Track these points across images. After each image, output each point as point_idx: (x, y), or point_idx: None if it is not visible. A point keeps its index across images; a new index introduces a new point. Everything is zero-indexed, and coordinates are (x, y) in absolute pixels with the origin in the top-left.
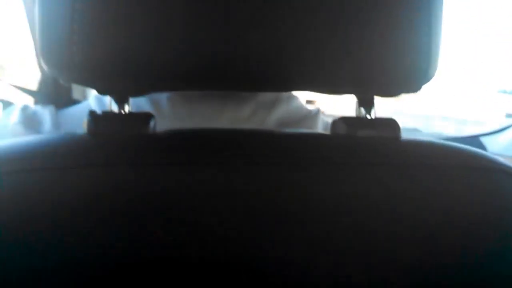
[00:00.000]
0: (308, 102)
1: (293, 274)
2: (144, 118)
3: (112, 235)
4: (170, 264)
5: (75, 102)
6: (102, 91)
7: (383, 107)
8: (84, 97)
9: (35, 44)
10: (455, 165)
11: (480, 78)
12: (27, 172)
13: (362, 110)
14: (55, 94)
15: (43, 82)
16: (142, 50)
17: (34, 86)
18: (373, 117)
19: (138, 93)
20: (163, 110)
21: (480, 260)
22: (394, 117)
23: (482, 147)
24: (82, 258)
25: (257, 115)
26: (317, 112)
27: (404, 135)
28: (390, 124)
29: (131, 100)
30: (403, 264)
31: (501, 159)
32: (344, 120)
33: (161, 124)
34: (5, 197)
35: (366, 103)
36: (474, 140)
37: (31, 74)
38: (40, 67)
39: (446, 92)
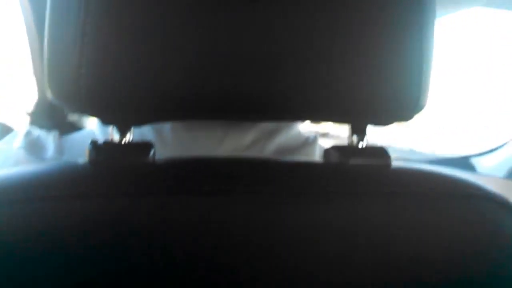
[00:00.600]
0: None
1: None
2: (144, 147)
3: (111, 265)
4: None
5: (70, 124)
6: (105, 121)
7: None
8: (80, 120)
9: (34, 67)
10: (442, 193)
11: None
12: (28, 202)
13: (355, 138)
14: (50, 116)
15: (39, 104)
16: (147, 83)
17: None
18: (364, 146)
19: (140, 123)
20: (166, 138)
21: (464, 281)
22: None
23: (472, 167)
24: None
25: (257, 143)
26: (315, 139)
27: (399, 156)
28: (381, 152)
29: (135, 127)
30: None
31: (487, 186)
32: (337, 148)
33: (163, 152)
34: (5, 227)
35: (359, 131)
36: (465, 160)
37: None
38: (38, 90)
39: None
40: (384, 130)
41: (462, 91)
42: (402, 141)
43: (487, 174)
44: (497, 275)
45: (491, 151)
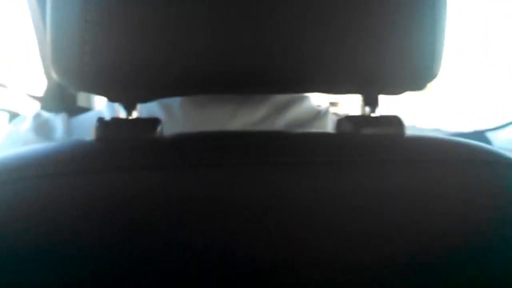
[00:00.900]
0: (332, 104)
1: (300, 271)
2: (151, 123)
3: (122, 239)
4: (182, 268)
5: (80, 109)
6: (111, 99)
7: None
8: (89, 104)
9: (41, 52)
10: (459, 159)
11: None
12: (37, 178)
13: (367, 108)
14: (60, 102)
15: (49, 90)
16: (151, 58)
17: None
18: (377, 115)
19: (146, 99)
20: (175, 115)
21: (486, 252)
22: None
23: (488, 142)
24: (89, 263)
25: (268, 118)
26: (326, 111)
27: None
28: (394, 121)
29: (143, 106)
30: (409, 259)
31: (505, 153)
32: (349, 118)
33: (173, 129)
34: (16, 204)
35: (371, 101)
36: (480, 135)
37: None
38: (46, 74)
39: None
40: (395, 108)
41: (474, 65)
42: (413, 119)
43: (502, 147)
44: None
45: (506, 125)
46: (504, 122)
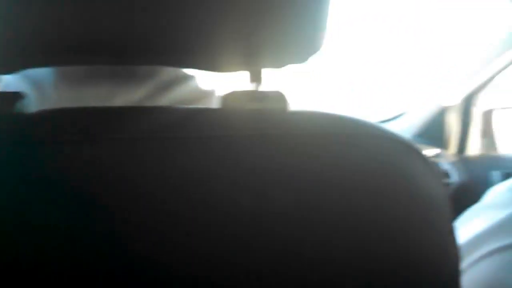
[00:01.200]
0: None
1: (171, 257)
2: (11, 96)
3: None
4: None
5: None
6: None
7: None
8: None
9: None
10: (343, 133)
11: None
12: None
13: (254, 85)
14: None
15: None
16: (5, 22)
17: None
18: (261, 91)
19: (5, 70)
20: (47, 94)
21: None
22: None
23: None
24: None
25: (151, 97)
26: (212, 92)
27: None
28: (278, 97)
29: (10, 84)
30: (286, 237)
31: (386, 127)
32: (234, 94)
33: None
34: None
35: (256, 77)
36: None
37: None
38: None
39: None
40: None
41: (367, 58)
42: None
43: None
44: (399, 215)
45: (392, 119)
46: (393, 115)
